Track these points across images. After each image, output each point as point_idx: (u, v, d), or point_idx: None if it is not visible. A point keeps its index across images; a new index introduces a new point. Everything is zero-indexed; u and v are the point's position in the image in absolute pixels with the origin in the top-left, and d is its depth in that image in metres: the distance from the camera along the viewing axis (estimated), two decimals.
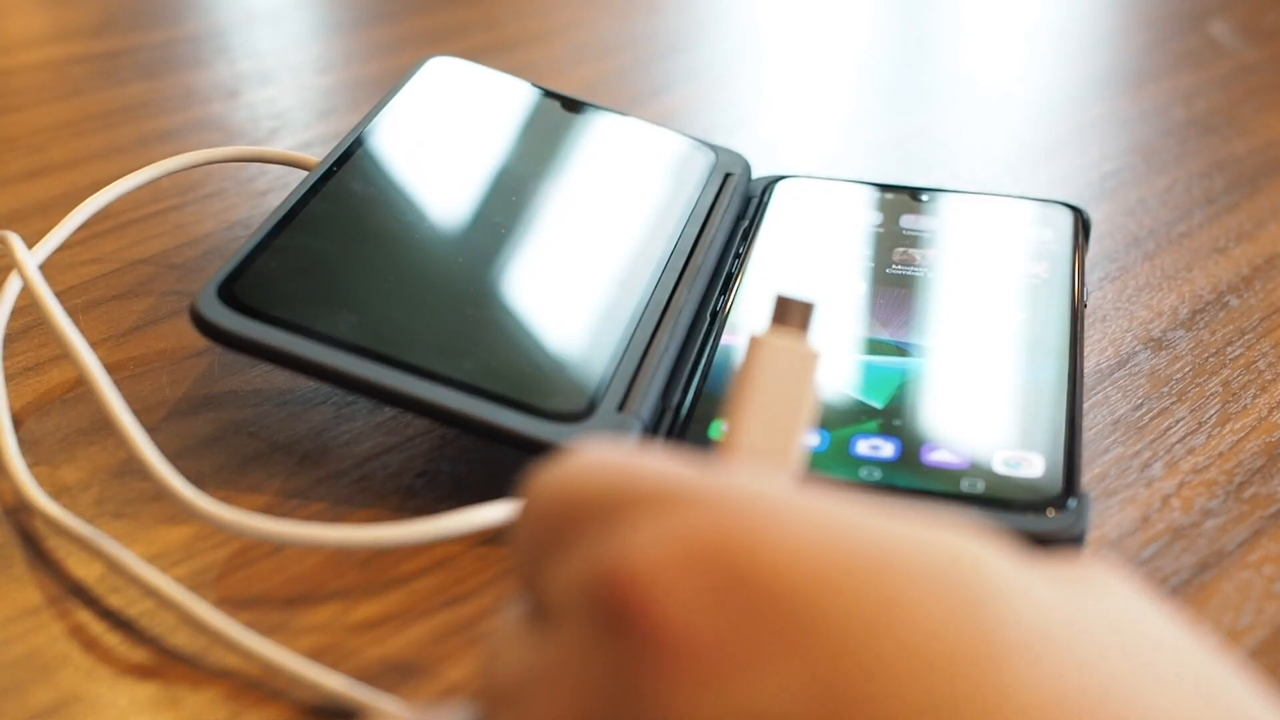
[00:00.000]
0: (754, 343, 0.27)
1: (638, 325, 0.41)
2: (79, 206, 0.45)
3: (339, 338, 0.37)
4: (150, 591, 0.33)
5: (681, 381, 0.40)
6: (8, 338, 0.42)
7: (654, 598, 0.19)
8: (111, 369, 0.37)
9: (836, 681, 0.18)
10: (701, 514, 0.20)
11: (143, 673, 0.32)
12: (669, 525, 0.20)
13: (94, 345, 0.37)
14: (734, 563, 0.19)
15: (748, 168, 0.50)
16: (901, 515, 0.20)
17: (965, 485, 0.36)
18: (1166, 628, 0.20)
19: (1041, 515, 0.35)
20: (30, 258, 0.41)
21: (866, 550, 0.19)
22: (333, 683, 0.31)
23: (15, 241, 0.41)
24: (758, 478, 0.21)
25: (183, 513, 0.34)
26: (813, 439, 0.38)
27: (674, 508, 0.20)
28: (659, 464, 0.21)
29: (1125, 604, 0.20)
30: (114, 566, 0.34)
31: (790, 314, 0.28)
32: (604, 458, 0.22)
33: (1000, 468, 0.36)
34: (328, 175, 0.43)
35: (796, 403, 0.26)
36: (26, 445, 0.38)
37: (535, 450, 0.36)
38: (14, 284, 0.42)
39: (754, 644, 0.18)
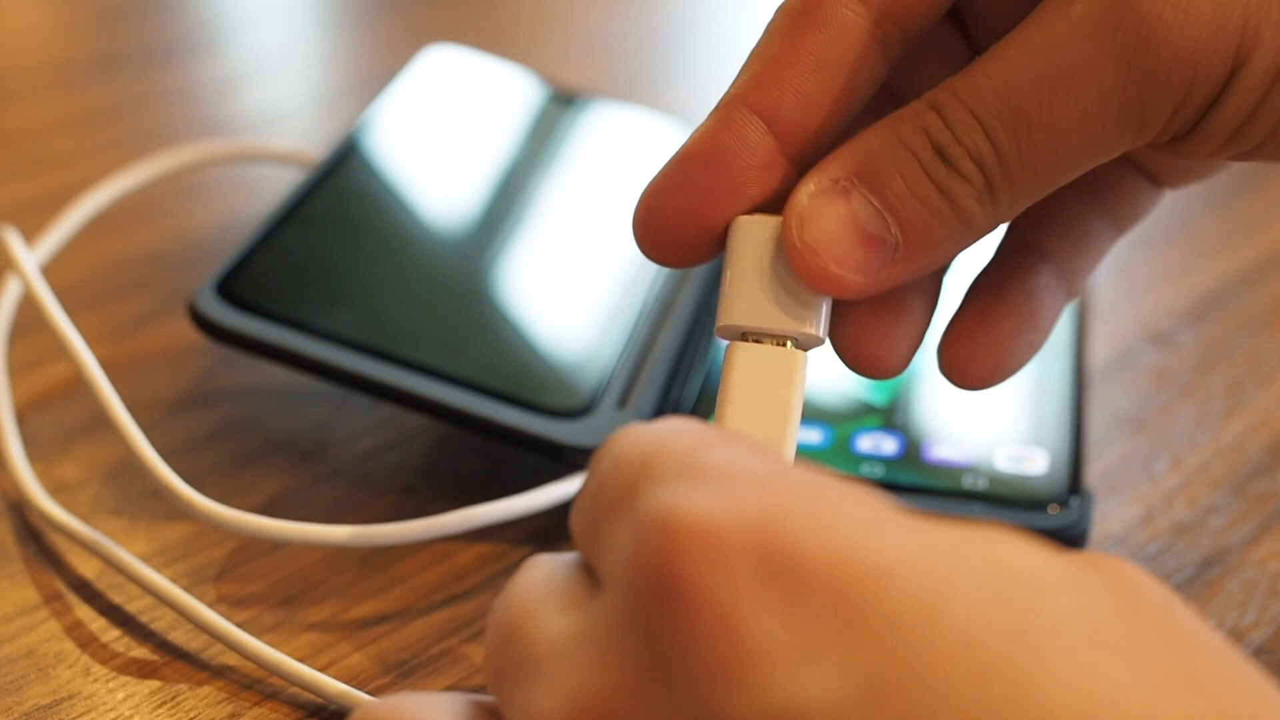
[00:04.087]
0: (731, 343, 0.27)
1: (638, 321, 0.40)
2: (78, 203, 0.45)
3: (338, 334, 0.37)
4: (148, 589, 0.33)
5: (682, 378, 0.39)
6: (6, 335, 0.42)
7: (705, 576, 0.19)
8: (109, 366, 0.36)
9: (883, 673, 0.18)
10: (756, 495, 0.19)
11: (140, 670, 0.32)
12: (723, 499, 0.19)
13: (92, 342, 0.37)
14: (785, 549, 0.19)
15: None
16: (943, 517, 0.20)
17: (967, 482, 0.36)
18: (1199, 625, 0.20)
19: (1044, 512, 0.35)
20: (29, 255, 0.41)
21: (915, 542, 0.19)
22: (330, 681, 0.30)
23: (14, 239, 0.41)
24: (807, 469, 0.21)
25: (181, 510, 0.34)
26: (812, 436, 0.37)
27: (729, 484, 0.20)
28: (729, 444, 0.21)
29: (1160, 599, 0.20)
30: (111, 564, 0.33)
31: None
32: (683, 428, 0.22)
33: (1003, 464, 0.36)
34: (327, 172, 0.42)
35: (780, 406, 0.25)
36: (24, 442, 0.38)
37: (535, 447, 0.36)
38: (13, 282, 0.42)
39: (803, 632, 0.18)
